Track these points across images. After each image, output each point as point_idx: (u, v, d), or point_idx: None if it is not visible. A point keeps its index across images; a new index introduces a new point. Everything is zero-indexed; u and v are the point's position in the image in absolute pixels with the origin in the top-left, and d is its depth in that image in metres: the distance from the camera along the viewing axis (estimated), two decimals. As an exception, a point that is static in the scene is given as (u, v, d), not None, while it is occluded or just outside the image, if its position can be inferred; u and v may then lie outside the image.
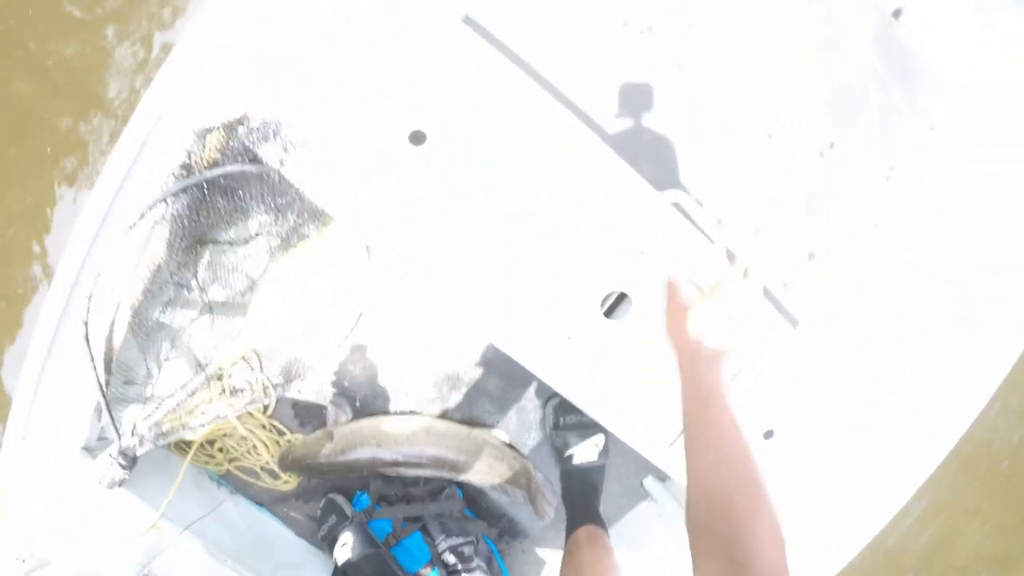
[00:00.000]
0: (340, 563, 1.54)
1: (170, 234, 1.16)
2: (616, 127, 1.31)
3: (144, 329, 1.33)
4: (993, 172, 1.26)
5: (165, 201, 1.09)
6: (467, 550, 1.61)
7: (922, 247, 1.25)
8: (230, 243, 1.36)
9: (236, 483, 1.64)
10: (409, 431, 1.59)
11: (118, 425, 1.30)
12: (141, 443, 1.34)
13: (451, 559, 1.61)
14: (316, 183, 1.02)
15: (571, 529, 1.38)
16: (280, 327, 1.43)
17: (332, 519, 1.62)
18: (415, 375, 1.60)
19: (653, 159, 1.28)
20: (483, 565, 1.60)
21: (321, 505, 1.65)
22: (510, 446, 1.65)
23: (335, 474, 1.58)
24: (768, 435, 1.19)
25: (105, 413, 1.26)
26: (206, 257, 1.33)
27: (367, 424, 1.58)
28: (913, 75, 1.26)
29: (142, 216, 1.09)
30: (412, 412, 1.64)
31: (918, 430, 1.26)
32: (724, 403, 0.87)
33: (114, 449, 1.31)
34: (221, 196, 1.16)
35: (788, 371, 1.13)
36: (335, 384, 1.59)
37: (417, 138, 1.00)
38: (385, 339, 1.55)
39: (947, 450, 1.26)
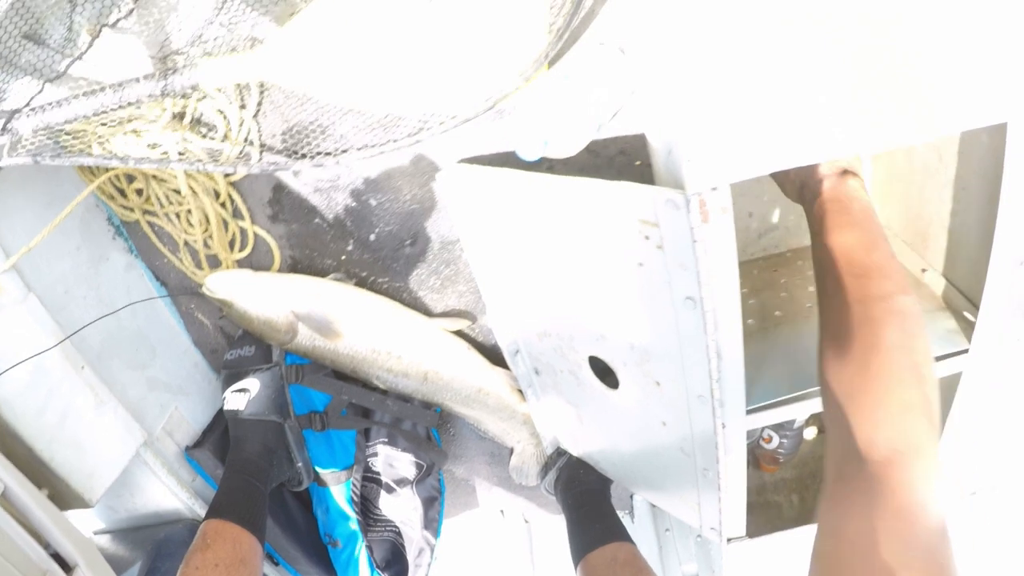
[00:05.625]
0: (226, 408, 1.09)
1: None
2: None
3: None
4: None
5: None
6: (407, 471, 1.19)
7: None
8: None
9: (141, 245, 1.07)
10: (402, 370, 1.11)
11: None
12: (13, 148, 0.74)
13: (378, 466, 1.19)
14: None
15: (591, 544, 1.02)
16: (326, 63, 0.81)
17: (249, 351, 1.12)
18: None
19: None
20: (417, 502, 1.20)
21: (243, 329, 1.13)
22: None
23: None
24: None
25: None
26: None
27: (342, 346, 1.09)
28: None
29: None
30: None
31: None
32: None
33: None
34: None
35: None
36: (355, 195, 1.02)
37: None
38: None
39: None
